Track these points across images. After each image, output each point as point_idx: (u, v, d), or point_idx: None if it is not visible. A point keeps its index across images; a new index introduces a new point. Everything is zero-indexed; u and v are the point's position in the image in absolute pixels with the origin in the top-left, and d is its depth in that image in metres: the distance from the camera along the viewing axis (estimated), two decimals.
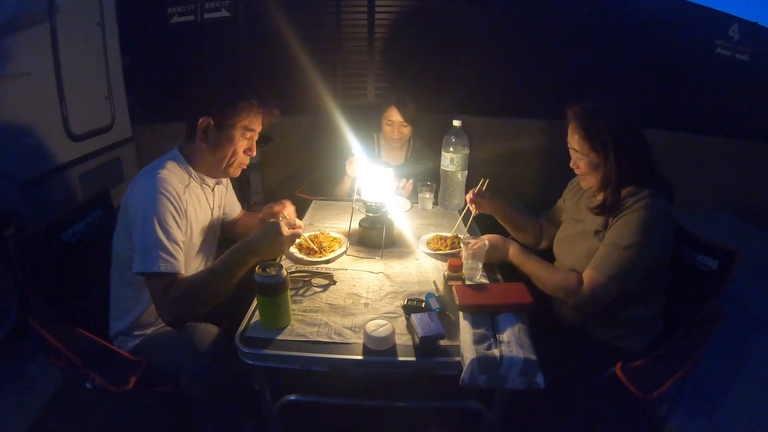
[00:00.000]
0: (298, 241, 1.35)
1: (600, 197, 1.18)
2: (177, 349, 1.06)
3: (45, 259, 1.16)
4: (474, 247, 1.20)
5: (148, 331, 1.18)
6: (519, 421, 1.21)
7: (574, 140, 1.17)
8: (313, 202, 1.90)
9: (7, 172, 1.79)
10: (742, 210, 3.43)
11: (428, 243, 1.43)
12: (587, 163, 1.16)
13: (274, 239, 1.11)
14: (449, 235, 1.47)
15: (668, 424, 1.43)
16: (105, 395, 1.09)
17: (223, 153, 1.18)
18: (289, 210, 1.42)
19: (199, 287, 1.06)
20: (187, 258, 1.18)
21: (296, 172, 3.05)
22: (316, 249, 1.35)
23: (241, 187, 2.99)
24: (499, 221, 1.50)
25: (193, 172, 1.21)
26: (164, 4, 2.92)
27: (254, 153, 1.25)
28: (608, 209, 1.15)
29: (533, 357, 0.93)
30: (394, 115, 1.96)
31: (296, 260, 1.32)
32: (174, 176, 1.14)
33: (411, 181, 1.90)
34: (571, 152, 1.20)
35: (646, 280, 1.11)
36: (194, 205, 1.20)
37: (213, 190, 1.31)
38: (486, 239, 1.23)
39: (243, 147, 1.20)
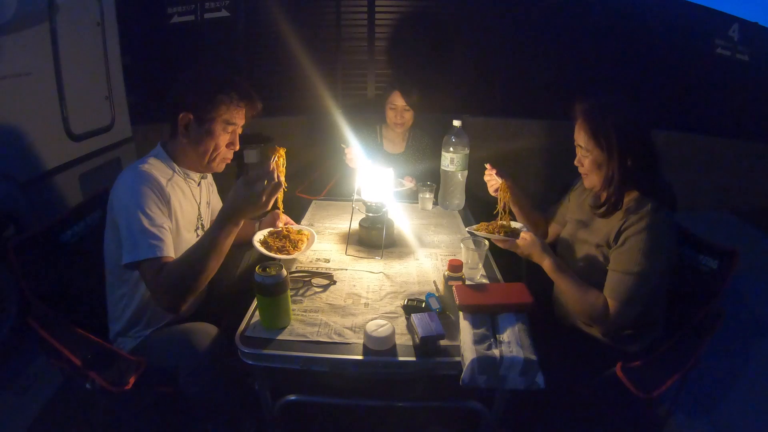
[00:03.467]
0: (262, 238, 1.32)
1: (603, 197, 1.18)
2: (175, 348, 1.06)
3: (45, 259, 1.16)
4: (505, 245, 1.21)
5: (147, 331, 1.18)
6: (519, 421, 1.21)
7: (580, 137, 1.17)
8: (313, 202, 1.90)
9: (7, 172, 1.79)
10: (742, 210, 3.43)
11: (477, 229, 1.31)
12: (591, 160, 1.15)
13: (247, 193, 1.01)
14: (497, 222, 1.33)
15: (668, 424, 1.43)
16: (104, 395, 1.09)
17: (205, 148, 1.18)
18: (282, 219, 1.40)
19: (188, 264, 1.03)
20: (178, 253, 1.16)
21: (296, 172, 3.06)
22: (285, 245, 1.32)
23: None
24: (510, 205, 1.45)
25: (177, 167, 1.21)
26: (164, 4, 2.92)
27: (237, 147, 1.23)
28: (611, 209, 1.15)
29: (533, 357, 0.93)
30: (398, 100, 2.02)
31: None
32: (156, 170, 1.14)
33: (410, 177, 1.92)
34: (577, 149, 1.20)
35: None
36: (178, 197, 1.19)
37: (199, 184, 1.30)
38: (524, 236, 1.20)
39: (225, 141, 1.19)
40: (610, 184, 1.13)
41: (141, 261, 1.03)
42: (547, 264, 1.17)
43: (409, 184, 1.90)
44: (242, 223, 1.06)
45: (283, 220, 1.38)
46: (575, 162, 1.21)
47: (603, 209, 1.16)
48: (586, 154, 1.16)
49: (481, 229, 1.30)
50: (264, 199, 1.02)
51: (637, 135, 1.11)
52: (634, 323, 1.14)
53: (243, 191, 1.01)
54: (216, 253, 1.03)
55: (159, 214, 1.08)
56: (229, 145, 1.21)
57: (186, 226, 1.23)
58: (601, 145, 1.12)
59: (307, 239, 1.37)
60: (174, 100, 1.16)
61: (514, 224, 1.31)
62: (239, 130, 1.22)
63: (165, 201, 1.12)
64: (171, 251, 1.07)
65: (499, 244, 1.24)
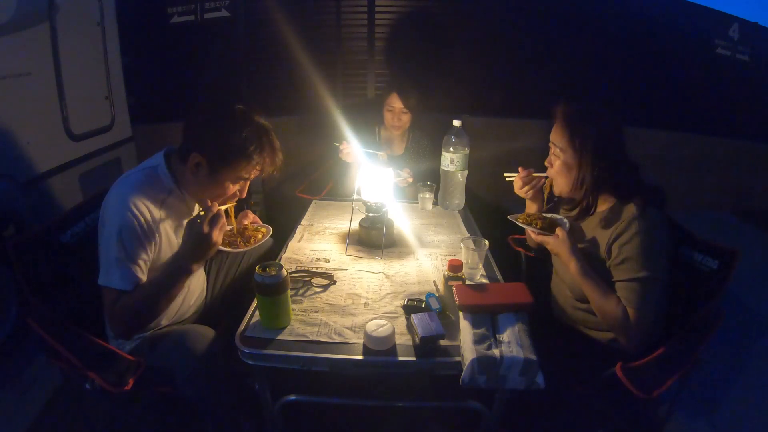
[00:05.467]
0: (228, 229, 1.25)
1: (570, 199, 1.19)
2: (172, 351, 1.06)
3: (44, 259, 1.16)
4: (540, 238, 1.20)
5: (147, 333, 1.18)
6: (519, 421, 1.21)
7: (556, 137, 1.18)
8: (313, 202, 1.90)
9: (7, 172, 1.79)
10: (742, 210, 3.43)
11: (519, 218, 1.28)
12: (562, 162, 1.17)
13: (198, 239, 1.02)
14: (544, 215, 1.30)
15: (668, 424, 1.43)
16: (104, 396, 1.09)
17: (207, 193, 1.13)
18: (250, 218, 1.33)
19: (142, 303, 1.05)
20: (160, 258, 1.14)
21: (296, 172, 3.07)
22: (238, 239, 1.26)
23: None
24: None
25: (175, 188, 1.14)
26: (164, 4, 2.92)
27: (243, 196, 1.18)
28: (584, 213, 1.17)
29: (533, 357, 0.93)
30: (395, 102, 2.02)
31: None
32: (150, 190, 1.09)
33: (410, 171, 1.92)
34: (551, 148, 1.21)
35: None
36: (175, 217, 1.16)
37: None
38: (558, 232, 1.17)
39: (231, 191, 1.14)
40: (581, 188, 1.15)
41: (109, 286, 1.04)
42: (573, 266, 1.15)
43: (406, 175, 1.89)
44: (197, 268, 1.09)
45: (250, 218, 1.36)
46: (545, 162, 1.23)
47: (575, 212, 1.18)
48: (559, 154, 1.18)
49: (521, 219, 1.28)
50: (207, 230, 1.02)
51: (612, 142, 1.13)
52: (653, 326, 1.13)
53: (188, 233, 1.04)
54: (171, 297, 1.09)
55: (138, 248, 1.05)
56: (235, 194, 1.16)
57: (177, 232, 1.19)
58: (575, 148, 1.13)
59: (262, 235, 1.30)
60: (193, 132, 1.09)
61: (557, 216, 1.27)
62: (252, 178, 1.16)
63: (151, 232, 1.08)
64: (139, 283, 1.07)
65: (533, 236, 1.24)
